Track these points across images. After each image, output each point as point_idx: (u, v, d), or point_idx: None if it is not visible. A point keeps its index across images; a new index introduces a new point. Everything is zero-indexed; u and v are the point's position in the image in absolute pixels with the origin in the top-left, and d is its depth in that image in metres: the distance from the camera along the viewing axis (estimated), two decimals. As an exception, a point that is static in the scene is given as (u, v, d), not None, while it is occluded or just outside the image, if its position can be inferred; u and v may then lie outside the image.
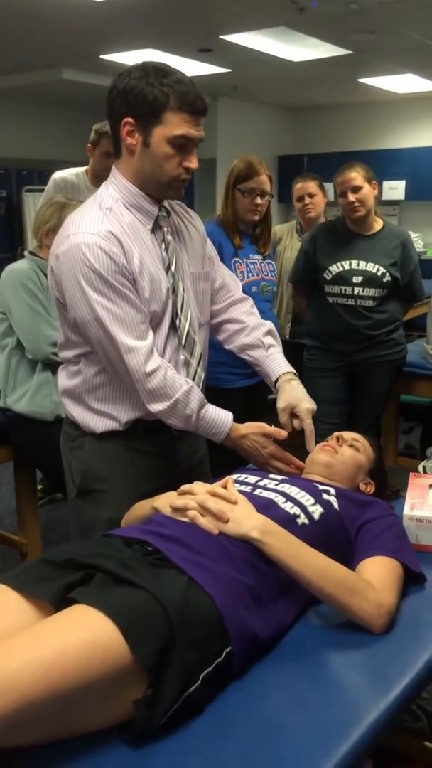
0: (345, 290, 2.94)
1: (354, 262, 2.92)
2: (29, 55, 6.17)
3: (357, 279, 2.91)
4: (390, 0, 4.38)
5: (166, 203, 1.61)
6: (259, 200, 2.68)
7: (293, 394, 1.67)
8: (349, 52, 5.90)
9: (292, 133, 9.44)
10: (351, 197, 2.83)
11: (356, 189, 2.83)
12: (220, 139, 8.33)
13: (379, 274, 2.90)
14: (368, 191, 2.85)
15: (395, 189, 8.42)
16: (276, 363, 1.75)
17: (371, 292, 2.92)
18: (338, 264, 2.94)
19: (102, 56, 6.01)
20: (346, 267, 2.93)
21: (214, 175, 8.17)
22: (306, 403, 1.65)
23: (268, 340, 1.78)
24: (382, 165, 8.34)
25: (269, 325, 1.83)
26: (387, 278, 2.90)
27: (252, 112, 8.77)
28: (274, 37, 5.50)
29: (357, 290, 2.92)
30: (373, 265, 2.90)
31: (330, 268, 2.96)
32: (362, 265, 2.91)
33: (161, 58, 5.94)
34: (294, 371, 1.75)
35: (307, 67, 6.43)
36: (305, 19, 4.90)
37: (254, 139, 8.61)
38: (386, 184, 8.41)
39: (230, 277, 1.83)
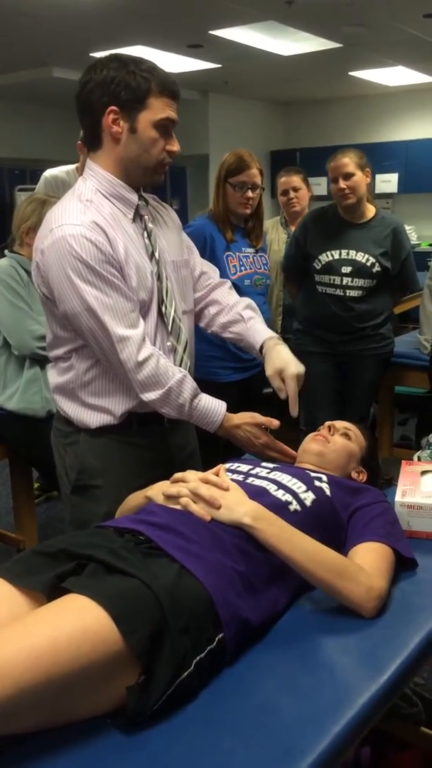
0: (334, 280, 2.94)
1: (344, 252, 2.91)
2: (20, 53, 6.17)
3: (346, 269, 2.90)
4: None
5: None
6: (250, 193, 2.68)
7: (280, 357, 1.66)
8: (339, 45, 5.90)
9: (284, 128, 9.44)
10: (342, 184, 2.80)
11: (348, 176, 2.80)
12: (212, 135, 8.33)
13: (368, 264, 2.89)
14: (360, 178, 2.82)
15: (388, 182, 8.42)
16: (257, 331, 1.75)
17: (360, 282, 2.91)
18: (328, 253, 2.93)
19: (92, 54, 6.01)
20: (336, 256, 2.92)
21: (207, 171, 8.17)
22: (293, 367, 1.63)
23: (248, 313, 1.79)
24: (374, 158, 8.27)
25: (247, 300, 1.83)
26: (377, 268, 2.89)
27: (243, 107, 8.76)
28: (264, 31, 5.50)
29: (345, 280, 2.92)
30: (363, 254, 2.89)
31: (320, 257, 2.95)
32: (352, 254, 2.90)
33: (151, 55, 5.94)
34: (278, 335, 1.76)
35: (298, 61, 6.43)
36: (294, 13, 4.90)
37: (246, 134, 8.60)
38: (379, 177, 8.41)
39: (207, 265, 1.85)
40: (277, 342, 1.71)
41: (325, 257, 2.94)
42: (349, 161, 2.81)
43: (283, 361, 1.65)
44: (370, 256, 2.89)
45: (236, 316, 1.78)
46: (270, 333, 1.75)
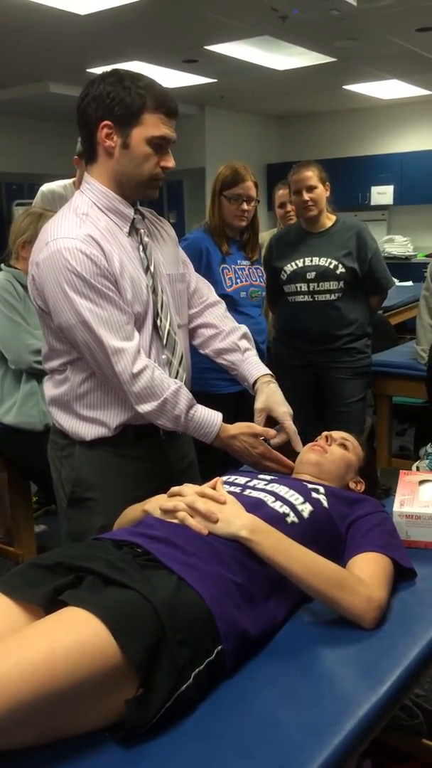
0: (300, 287, 2.99)
1: (307, 259, 2.97)
2: (17, 69, 6.21)
3: (311, 274, 2.96)
4: (370, 6, 4.43)
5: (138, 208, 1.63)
6: (245, 206, 2.70)
7: (272, 398, 1.70)
8: (334, 59, 5.95)
9: (280, 141, 9.50)
10: (306, 196, 2.87)
11: (311, 188, 2.87)
12: (209, 149, 8.38)
13: (331, 266, 2.93)
14: (322, 191, 2.90)
15: (384, 194, 8.47)
16: (253, 366, 1.78)
17: (327, 285, 2.95)
18: (293, 263, 2.99)
19: (89, 69, 6.06)
20: (300, 264, 2.98)
21: (203, 184, 8.21)
22: (283, 407, 1.68)
23: (244, 343, 1.81)
24: (370, 170, 8.41)
25: (244, 329, 1.85)
26: (341, 269, 2.93)
27: (239, 121, 8.83)
28: (259, 46, 5.55)
29: (312, 285, 2.96)
30: (326, 259, 2.94)
31: (285, 268, 3.01)
32: (315, 260, 2.96)
33: (147, 70, 5.99)
34: (271, 373, 1.78)
35: (293, 75, 6.48)
36: (288, 28, 4.94)
37: (242, 147, 8.66)
38: (375, 189, 8.47)
39: (203, 282, 1.86)
40: (270, 380, 1.74)
41: (290, 267, 3.00)
42: (312, 174, 2.88)
43: (273, 402, 1.69)
44: (332, 259, 2.94)
45: (232, 344, 1.80)
46: (265, 370, 1.77)
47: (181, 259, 1.77)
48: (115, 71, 1.51)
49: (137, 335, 1.54)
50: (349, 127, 8.84)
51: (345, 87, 7.29)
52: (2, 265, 2.58)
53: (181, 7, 4.53)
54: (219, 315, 1.83)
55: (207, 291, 1.85)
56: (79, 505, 1.67)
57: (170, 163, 1.54)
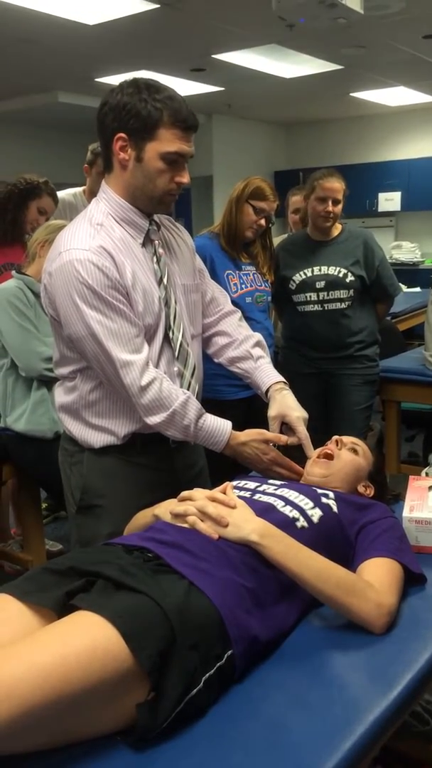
0: (310, 296, 2.99)
1: (316, 269, 2.97)
2: (26, 79, 6.26)
3: (320, 284, 2.96)
4: (377, 14, 4.44)
5: (155, 217, 1.64)
6: (263, 222, 2.73)
7: (284, 403, 1.69)
8: (340, 67, 5.97)
9: (287, 149, 9.53)
10: (330, 208, 2.88)
11: (337, 202, 2.89)
12: (216, 157, 8.41)
13: (341, 275, 2.94)
14: (342, 206, 2.92)
15: (391, 200, 8.48)
16: (266, 373, 1.77)
17: (337, 294, 2.96)
18: (301, 272, 2.99)
19: (97, 79, 6.10)
20: (309, 274, 2.98)
21: (211, 192, 8.24)
22: (296, 412, 1.67)
23: (257, 351, 1.81)
24: (377, 177, 8.42)
25: (258, 336, 1.85)
26: (350, 278, 2.94)
27: (246, 129, 8.86)
28: (266, 54, 5.57)
29: (322, 295, 2.97)
30: (334, 268, 2.95)
31: (293, 277, 3.01)
32: (324, 269, 2.96)
33: (155, 79, 6.03)
34: (284, 380, 1.77)
35: (300, 83, 6.51)
36: (295, 36, 4.96)
37: (249, 155, 8.69)
38: (382, 195, 8.47)
39: (219, 290, 1.86)
40: (283, 387, 1.74)
41: (299, 276, 3.00)
42: (340, 187, 2.88)
43: (287, 407, 1.68)
44: (341, 268, 2.94)
45: (245, 352, 1.80)
46: (278, 377, 1.77)
47: (197, 268, 1.76)
48: (135, 81, 1.48)
49: (146, 347, 1.54)
50: (356, 134, 8.86)
51: (352, 94, 7.31)
52: (14, 272, 2.60)
53: (189, 16, 4.56)
54: (233, 323, 1.83)
55: (223, 300, 1.85)
56: (88, 511, 1.67)
57: (185, 178, 1.52)
